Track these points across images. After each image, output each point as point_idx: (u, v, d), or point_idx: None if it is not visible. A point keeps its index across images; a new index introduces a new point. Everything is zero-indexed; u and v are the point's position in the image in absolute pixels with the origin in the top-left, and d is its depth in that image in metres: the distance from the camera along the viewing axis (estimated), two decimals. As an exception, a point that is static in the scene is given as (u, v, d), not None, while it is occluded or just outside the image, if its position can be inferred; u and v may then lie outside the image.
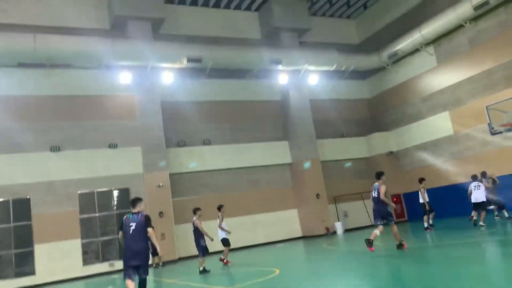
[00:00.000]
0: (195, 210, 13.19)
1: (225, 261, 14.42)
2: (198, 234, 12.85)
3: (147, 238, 7.53)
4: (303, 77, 25.76)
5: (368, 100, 29.13)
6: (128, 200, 20.71)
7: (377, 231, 10.80)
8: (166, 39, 22.82)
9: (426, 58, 24.51)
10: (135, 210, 7.76)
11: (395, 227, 10.88)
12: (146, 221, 7.57)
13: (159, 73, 22.02)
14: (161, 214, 20.51)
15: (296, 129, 25.26)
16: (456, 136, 22.91)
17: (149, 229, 7.50)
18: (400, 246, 10.70)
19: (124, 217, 7.93)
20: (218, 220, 14.54)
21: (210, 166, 23.47)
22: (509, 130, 16.19)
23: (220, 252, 15.87)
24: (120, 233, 7.79)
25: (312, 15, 27.60)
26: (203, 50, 22.08)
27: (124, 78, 21.08)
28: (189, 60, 21.47)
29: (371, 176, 27.47)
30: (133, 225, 7.50)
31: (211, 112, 24.28)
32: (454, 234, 13.57)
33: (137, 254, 7.34)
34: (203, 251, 12.75)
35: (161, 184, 21.00)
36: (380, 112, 28.23)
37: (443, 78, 23.61)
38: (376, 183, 11.45)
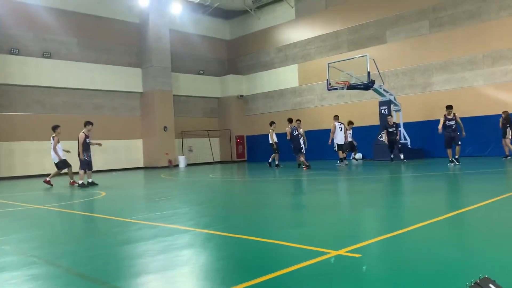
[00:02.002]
0: (87, 123, 12.82)
1: (47, 180, 13.29)
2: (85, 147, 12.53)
3: None
4: (165, 3, 24.43)
5: (228, 41, 29.28)
6: None
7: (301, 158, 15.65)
8: None
9: (286, 10, 25.41)
10: None
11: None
12: None
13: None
14: (-21, 127, 17.89)
15: (152, 57, 24.14)
16: (300, 88, 24.73)
17: None
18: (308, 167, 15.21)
19: None
20: (52, 142, 13.02)
21: (47, 82, 21.14)
22: (342, 88, 17.99)
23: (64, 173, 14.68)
24: None
25: None
26: None
27: None
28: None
29: (220, 116, 28.35)
30: None
31: (57, 22, 21.53)
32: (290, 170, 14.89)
33: None
34: (86, 164, 12.54)
35: (-18, 93, 18.17)
36: (237, 55, 28.70)
37: (298, 33, 24.91)
38: (293, 125, 15.84)
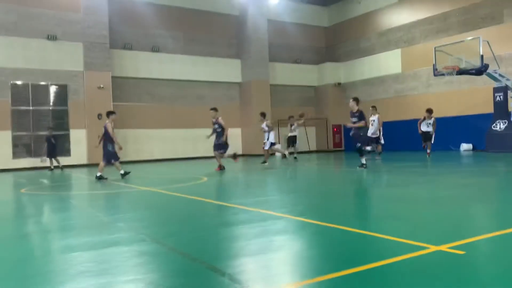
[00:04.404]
0: (109, 114, 11.77)
1: None
2: (108, 139, 11.45)
3: None
4: (264, -7, 24.77)
5: (326, 28, 28.76)
6: (66, 97, 19.95)
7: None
8: None
9: (389, -8, 24.17)
10: None
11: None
12: None
13: (108, -36, 20.26)
14: (99, 116, 19.94)
15: (250, 48, 24.70)
16: (403, 74, 23.45)
17: None
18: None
19: None
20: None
21: (156, 75, 22.77)
22: (450, 73, 16.69)
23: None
24: None
25: None
26: None
27: (68, -36, 19.20)
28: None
29: (317, 104, 28.10)
30: None
31: (164, 18, 23.05)
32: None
33: None
34: (109, 156, 11.48)
35: (102, 86, 20.21)
36: (335, 42, 28.08)
37: (401, 16, 23.56)
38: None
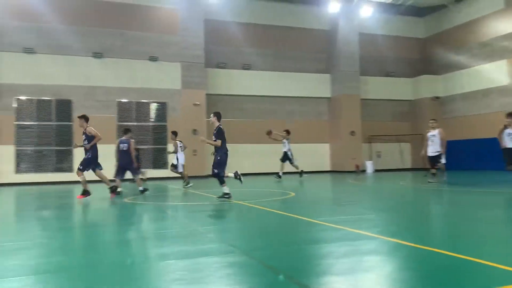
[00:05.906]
0: (127, 130, 11.90)
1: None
2: (129, 155, 11.71)
3: None
4: (355, 7, 24.41)
5: (422, 39, 27.44)
6: (165, 113, 21.40)
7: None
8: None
9: (493, -1, 22.43)
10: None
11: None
12: None
13: (204, -13, 21.53)
14: (194, 131, 21.01)
15: (340, 62, 24.44)
16: (510, 87, 21.44)
17: None
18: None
19: None
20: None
21: (247, 91, 23.45)
22: None
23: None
24: None
25: None
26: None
27: (169, -10, 20.77)
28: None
29: (412, 119, 26.75)
30: None
31: (254, 36, 23.78)
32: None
33: None
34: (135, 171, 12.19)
35: (197, 103, 21.31)
36: (432, 54, 26.64)
37: (508, 23, 21.67)
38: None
